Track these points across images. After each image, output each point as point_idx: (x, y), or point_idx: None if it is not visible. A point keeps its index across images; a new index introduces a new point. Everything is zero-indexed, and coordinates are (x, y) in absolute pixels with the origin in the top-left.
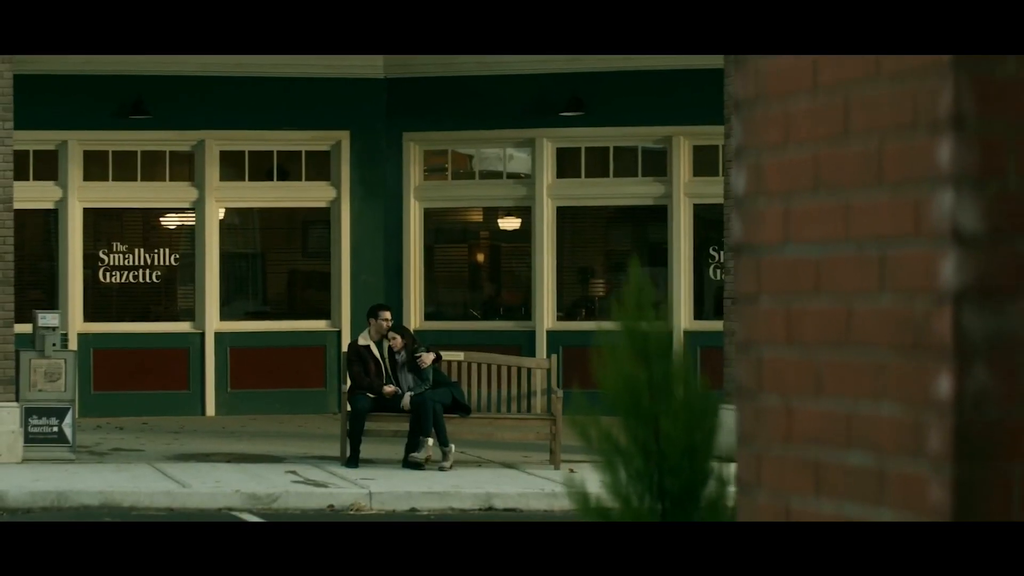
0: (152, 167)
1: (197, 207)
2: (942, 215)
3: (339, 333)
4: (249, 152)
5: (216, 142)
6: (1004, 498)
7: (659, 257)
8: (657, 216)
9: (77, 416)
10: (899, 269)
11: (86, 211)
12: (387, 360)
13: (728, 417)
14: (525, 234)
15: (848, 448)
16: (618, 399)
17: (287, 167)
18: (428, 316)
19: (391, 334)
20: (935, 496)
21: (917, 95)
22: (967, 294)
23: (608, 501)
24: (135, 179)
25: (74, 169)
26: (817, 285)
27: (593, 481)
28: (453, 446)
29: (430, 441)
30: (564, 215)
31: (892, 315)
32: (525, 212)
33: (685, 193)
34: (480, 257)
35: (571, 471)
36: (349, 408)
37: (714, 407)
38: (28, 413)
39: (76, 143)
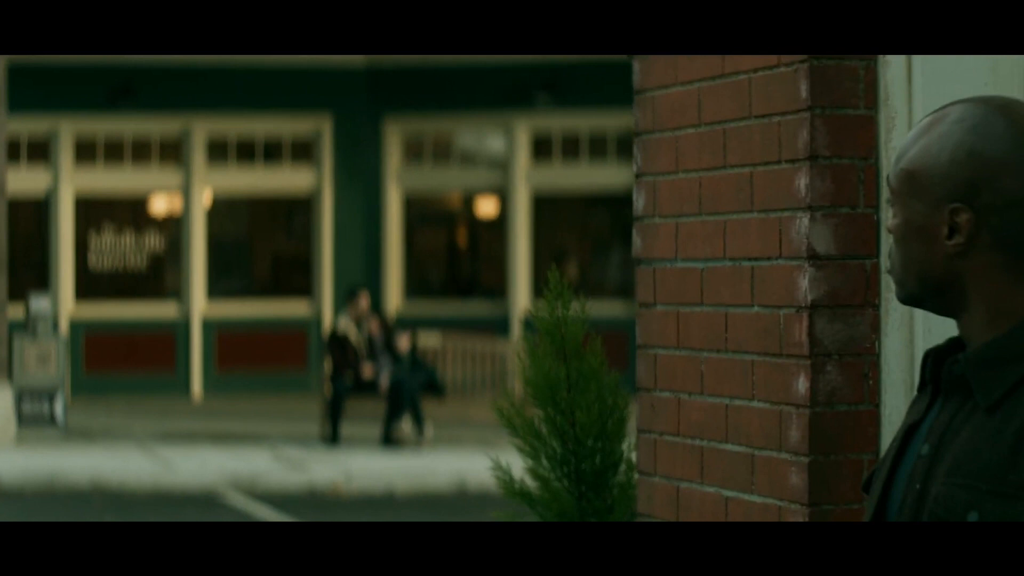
0: (141, 153)
1: (184, 191)
2: (800, 237)
3: (321, 315)
4: (234, 137)
5: (202, 127)
6: (854, 482)
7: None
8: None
9: (68, 398)
10: (766, 283)
11: (77, 196)
12: (365, 343)
13: None
14: (502, 217)
15: (726, 439)
16: (539, 392)
17: (271, 152)
18: (407, 298)
19: (368, 317)
20: (794, 481)
21: (781, 133)
22: (820, 306)
23: (530, 484)
24: (124, 164)
25: (65, 155)
26: (701, 295)
27: (519, 466)
28: (429, 426)
29: (407, 422)
30: (539, 199)
31: (761, 323)
32: (502, 196)
33: None
34: (458, 240)
35: None
36: (329, 390)
37: (625, 399)
38: (20, 395)
39: (67, 129)
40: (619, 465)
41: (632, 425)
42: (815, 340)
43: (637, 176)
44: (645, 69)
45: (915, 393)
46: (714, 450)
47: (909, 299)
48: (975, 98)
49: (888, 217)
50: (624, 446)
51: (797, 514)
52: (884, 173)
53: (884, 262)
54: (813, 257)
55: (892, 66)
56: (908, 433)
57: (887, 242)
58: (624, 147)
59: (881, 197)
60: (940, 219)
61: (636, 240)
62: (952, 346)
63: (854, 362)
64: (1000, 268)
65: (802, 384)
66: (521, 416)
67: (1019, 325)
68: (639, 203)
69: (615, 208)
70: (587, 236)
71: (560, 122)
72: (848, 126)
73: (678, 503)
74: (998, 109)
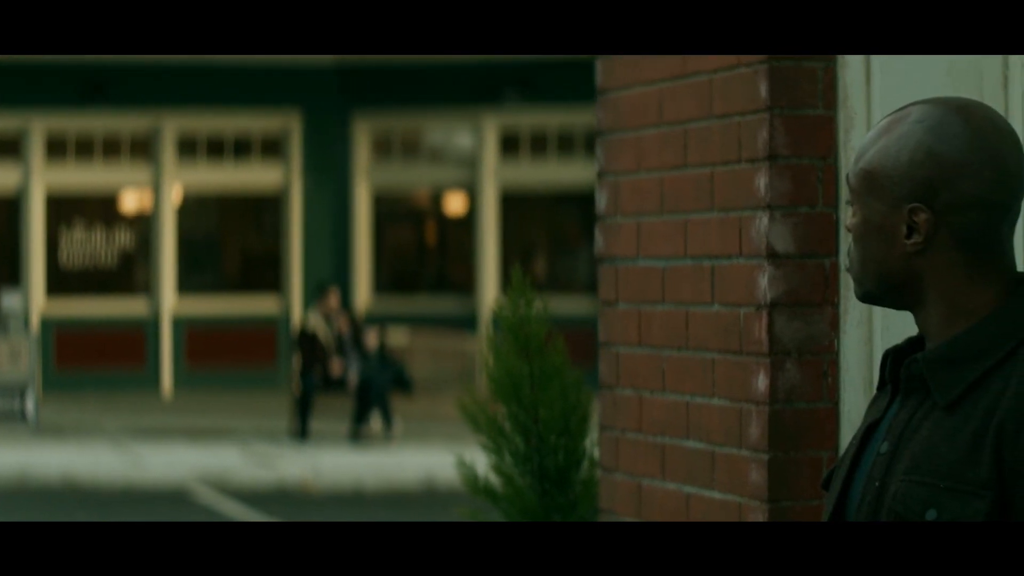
0: (111, 150)
1: (154, 188)
2: (759, 236)
3: (290, 312)
4: (204, 134)
5: (172, 124)
6: (813, 478)
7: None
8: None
9: (40, 394)
10: (726, 282)
11: (48, 193)
12: (334, 340)
13: None
14: (470, 214)
15: (687, 436)
16: (502, 389)
17: (241, 148)
18: (376, 294)
19: (337, 313)
20: (754, 478)
21: (741, 133)
22: (779, 304)
23: (494, 480)
24: (95, 161)
25: (36, 152)
26: (662, 294)
27: (483, 462)
28: (398, 423)
29: (375, 418)
30: (508, 196)
31: (721, 322)
32: (470, 192)
33: None
34: (427, 237)
35: None
36: (298, 386)
37: (587, 396)
38: None
39: (38, 126)
40: (582, 462)
41: (595, 422)
42: (774, 338)
43: (600, 175)
44: (607, 69)
45: (874, 391)
46: (675, 447)
47: (867, 297)
48: (934, 99)
49: (847, 216)
50: (587, 443)
51: (757, 511)
52: (843, 173)
53: (843, 260)
54: (772, 256)
55: (851, 67)
56: (868, 432)
57: (846, 241)
58: (593, 144)
59: (840, 196)
60: (899, 218)
61: (599, 239)
62: (911, 345)
63: (813, 360)
64: (958, 267)
65: (762, 382)
66: (485, 413)
67: (977, 324)
68: (601, 202)
69: (583, 205)
70: (555, 233)
71: (528, 119)
72: (807, 126)
73: (640, 499)
74: (957, 110)
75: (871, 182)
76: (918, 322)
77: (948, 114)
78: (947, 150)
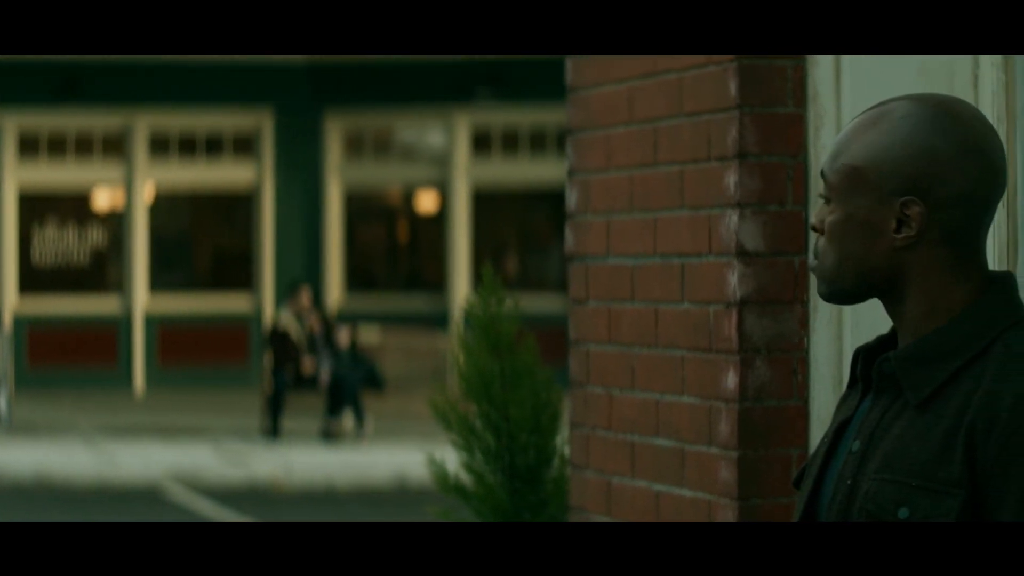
0: (84, 148)
1: (127, 186)
2: (729, 234)
3: (262, 310)
4: (176, 132)
5: (144, 122)
6: (783, 476)
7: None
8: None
9: (12, 393)
10: (696, 280)
11: (20, 190)
12: (306, 338)
13: None
14: (442, 212)
15: (656, 434)
16: (473, 387)
17: (213, 146)
18: (348, 292)
19: (309, 312)
20: (724, 475)
21: (711, 131)
22: (749, 302)
23: (465, 479)
24: (67, 159)
25: (8, 149)
26: (632, 292)
27: (454, 461)
28: (370, 421)
29: (347, 416)
30: (479, 194)
31: (691, 319)
32: (442, 190)
33: None
34: (399, 235)
35: None
36: (270, 384)
37: (558, 394)
38: None
39: (10, 123)
40: (553, 460)
41: (565, 420)
42: (744, 336)
43: (570, 173)
44: (578, 68)
45: (844, 389)
46: (645, 445)
47: (838, 295)
48: (916, 96)
49: (822, 214)
50: (557, 441)
51: (727, 508)
52: (813, 171)
53: (809, 259)
54: (742, 254)
55: (820, 65)
56: (839, 430)
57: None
58: (564, 142)
59: (810, 194)
60: (888, 213)
61: (569, 237)
62: (882, 343)
63: (783, 358)
64: (942, 263)
65: (731, 379)
66: (456, 411)
67: (949, 323)
68: (572, 200)
69: (555, 203)
70: (527, 231)
71: (500, 117)
72: (777, 124)
73: (610, 497)
74: (944, 106)
75: (856, 178)
76: (894, 318)
77: (936, 110)
78: (940, 145)
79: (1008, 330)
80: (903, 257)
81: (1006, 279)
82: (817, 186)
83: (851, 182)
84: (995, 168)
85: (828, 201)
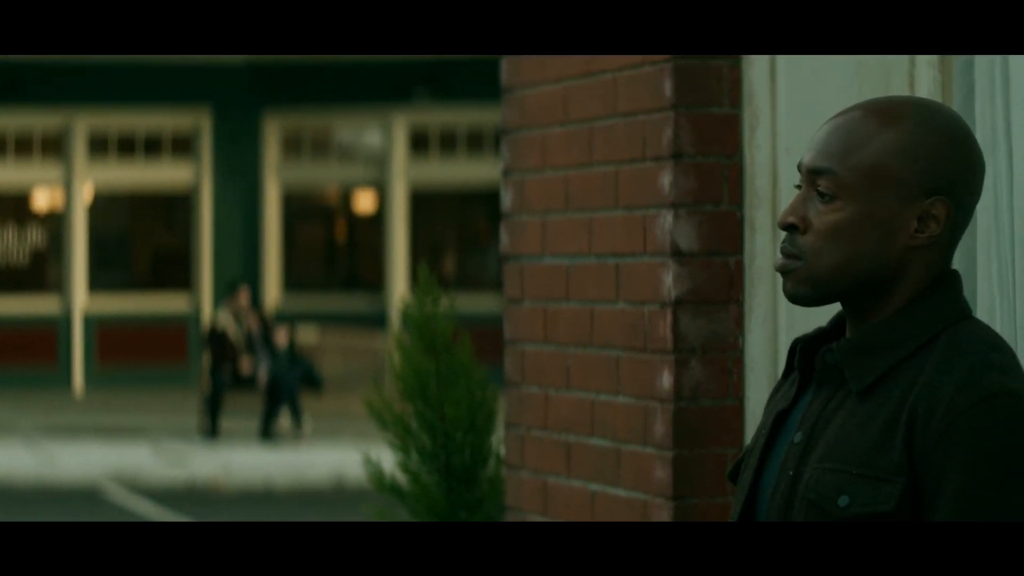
0: (23, 147)
1: (65, 186)
2: (664, 234)
3: (200, 310)
4: (115, 132)
5: (84, 122)
6: (718, 476)
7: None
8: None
9: None
10: (631, 280)
11: None
12: (244, 338)
13: None
14: (380, 212)
15: (592, 434)
16: (409, 387)
17: (152, 146)
18: (286, 292)
19: (247, 311)
20: (659, 475)
21: (646, 131)
22: (684, 302)
23: (401, 478)
24: (7, 159)
25: None
26: (567, 292)
27: (391, 460)
28: (307, 421)
29: (285, 416)
30: (417, 194)
31: (626, 319)
32: (380, 190)
33: None
34: (337, 235)
35: None
36: (208, 384)
37: (494, 394)
38: None
39: None
40: (488, 459)
41: (501, 419)
42: (679, 336)
43: (505, 173)
44: (513, 67)
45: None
46: (581, 444)
47: (823, 297)
48: (919, 98)
49: (801, 211)
50: (493, 440)
51: (662, 508)
52: (748, 171)
53: (776, 260)
54: (677, 254)
55: (756, 65)
56: (777, 421)
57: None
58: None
59: (745, 194)
60: (912, 211)
61: (504, 237)
62: (820, 335)
63: (718, 358)
64: (937, 261)
65: (666, 379)
66: (391, 411)
67: (894, 315)
68: (507, 200)
69: (493, 203)
70: (465, 230)
71: (438, 117)
72: (712, 124)
73: (546, 497)
74: (946, 109)
75: (881, 175)
76: (861, 314)
77: (948, 113)
78: (963, 146)
79: (953, 325)
80: (913, 255)
81: (954, 276)
82: (755, 186)
83: (873, 180)
84: (984, 174)
85: (826, 199)
